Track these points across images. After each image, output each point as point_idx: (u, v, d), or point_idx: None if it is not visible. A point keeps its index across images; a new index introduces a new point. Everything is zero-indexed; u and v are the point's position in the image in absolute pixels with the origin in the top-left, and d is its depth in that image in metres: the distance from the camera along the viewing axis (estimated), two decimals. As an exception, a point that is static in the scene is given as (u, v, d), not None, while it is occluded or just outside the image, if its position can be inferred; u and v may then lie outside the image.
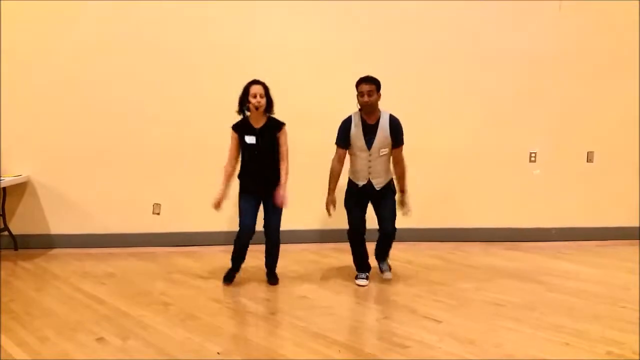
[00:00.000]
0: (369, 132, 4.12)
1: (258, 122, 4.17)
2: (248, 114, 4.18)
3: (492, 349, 3.18)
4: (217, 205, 4.24)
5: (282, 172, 4.20)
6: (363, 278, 4.41)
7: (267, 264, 4.46)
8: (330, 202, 4.27)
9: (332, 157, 4.28)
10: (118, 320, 3.60)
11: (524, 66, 5.81)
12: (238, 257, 4.32)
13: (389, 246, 4.44)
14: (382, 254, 4.49)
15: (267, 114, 4.19)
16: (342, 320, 3.70)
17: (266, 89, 4.12)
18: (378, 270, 4.53)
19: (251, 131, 4.15)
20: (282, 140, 4.21)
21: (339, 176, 4.30)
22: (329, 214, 4.27)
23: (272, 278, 4.41)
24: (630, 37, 5.84)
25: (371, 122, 4.14)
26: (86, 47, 5.37)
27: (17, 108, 5.35)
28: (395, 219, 4.27)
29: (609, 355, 3.10)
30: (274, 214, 4.26)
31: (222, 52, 5.50)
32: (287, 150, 4.22)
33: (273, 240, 4.34)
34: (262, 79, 4.16)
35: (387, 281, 4.44)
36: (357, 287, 4.34)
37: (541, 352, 3.15)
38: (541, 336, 3.36)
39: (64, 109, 5.41)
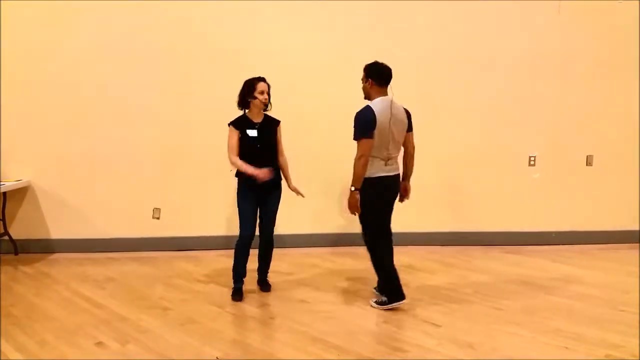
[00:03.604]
0: None
1: (257, 118, 4.13)
2: (246, 110, 4.14)
3: (491, 353, 3.18)
4: (261, 174, 3.96)
5: (285, 165, 4.27)
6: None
7: (261, 269, 4.40)
8: None
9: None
10: (117, 324, 3.61)
11: (522, 69, 5.82)
12: (242, 271, 4.18)
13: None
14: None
15: (263, 112, 4.18)
16: (341, 325, 3.69)
17: (269, 86, 4.13)
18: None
19: (252, 126, 4.10)
20: (279, 136, 4.22)
21: None
22: None
23: (265, 285, 4.39)
24: (630, 39, 5.83)
25: None
26: (86, 51, 5.40)
27: (17, 113, 5.37)
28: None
29: (608, 358, 3.11)
30: (271, 216, 4.21)
31: (223, 56, 5.50)
32: (283, 146, 4.27)
33: (270, 243, 4.29)
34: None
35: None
36: (356, 290, 4.32)
37: (540, 355, 3.15)
38: (540, 340, 3.36)
39: (64, 114, 5.43)
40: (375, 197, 3.85)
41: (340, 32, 5.64)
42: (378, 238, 3.97)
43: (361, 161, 3.74)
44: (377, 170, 3.81)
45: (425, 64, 5.72)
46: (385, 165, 3.83)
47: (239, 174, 4.13)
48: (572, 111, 5.90)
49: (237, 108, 4.16)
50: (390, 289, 3.94)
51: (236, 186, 4.15)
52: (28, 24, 5.33)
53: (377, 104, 3.78)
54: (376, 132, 3.73)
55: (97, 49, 5.41)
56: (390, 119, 3.75)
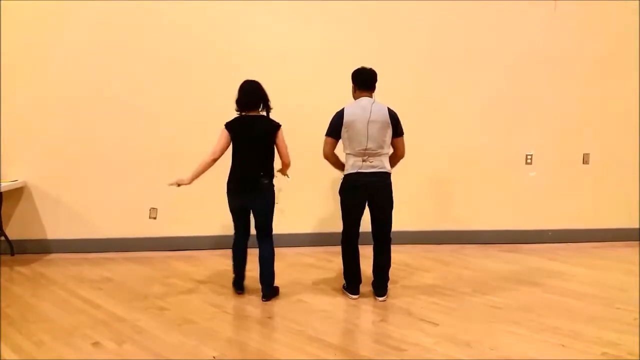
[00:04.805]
0: None
1: None
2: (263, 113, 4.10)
3: (489, 352, 3.18)
4: None
5: None
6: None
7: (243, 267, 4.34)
8: None
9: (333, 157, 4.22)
10: (114, 324, 3.60)
11: (519, 68, 5.83)
12: None
13: None
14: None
15: None
16: (338, 324, 3.70)
17: None
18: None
19: None
20: None
21: None
22: None
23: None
24: (626, 37, 5.85)
25: None
26: (82, 51, 5.38)
27: (14, 113, 5.35)
28: None
29: (605, 356, 3.11)
30: None
31: (220, 57, 5.50)
32: None
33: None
34: (262, 82, 4.11)
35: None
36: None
37: (537, 353, 3.15)
38: (537, 338, 3.37)
39: (60, 114, 5.41)
40: (344, 193, 4.08)
41: (339, 32, 5.64)
42: (345, 236, 4.14)
43: (325, 156, 4.11)
44: (350, 167, 4.01)
45: (422, 63, 5.72)
46: (363, 161, 3.95)
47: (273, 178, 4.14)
48: (569, 109, 5.91)
49: (237, 110, 4.09)
50: (347, 277, 4.21)
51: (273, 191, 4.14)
52: (28, 24, 5.31)
53: (351, 105, 4.02)
54: (348, 130, 3.94)
55: (94, 50, 5.39)
56: (369, 118, 3.90)
